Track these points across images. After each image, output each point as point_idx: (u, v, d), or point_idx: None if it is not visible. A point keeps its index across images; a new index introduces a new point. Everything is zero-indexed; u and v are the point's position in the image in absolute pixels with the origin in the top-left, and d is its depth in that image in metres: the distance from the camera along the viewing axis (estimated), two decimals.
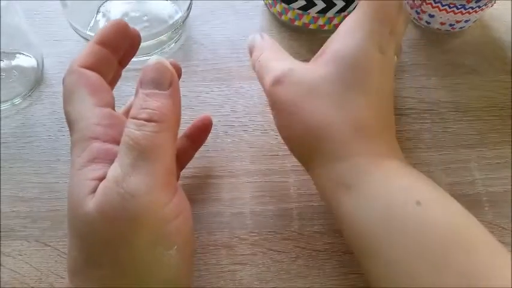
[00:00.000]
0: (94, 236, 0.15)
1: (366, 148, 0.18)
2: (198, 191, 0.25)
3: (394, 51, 0.20)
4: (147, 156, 0.15)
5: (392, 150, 0.19)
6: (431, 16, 0.30)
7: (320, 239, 0.23)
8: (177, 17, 0.29)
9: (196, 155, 0.25)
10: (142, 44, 0.29)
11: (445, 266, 0.16)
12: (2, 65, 0.29)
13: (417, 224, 0.16)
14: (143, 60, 0.30)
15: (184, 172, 0.25)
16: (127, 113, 0.21)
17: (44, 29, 0.32)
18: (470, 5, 0.28)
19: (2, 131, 0.27)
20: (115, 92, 0.29)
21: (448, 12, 0.29)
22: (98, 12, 0.31)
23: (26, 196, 0.25)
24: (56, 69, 0.30)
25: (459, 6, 0.28)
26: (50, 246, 0.23)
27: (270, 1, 0.31)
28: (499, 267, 0.16)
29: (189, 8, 0.30)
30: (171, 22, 0.28)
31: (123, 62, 0.20)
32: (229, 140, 0.27)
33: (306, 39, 0.31)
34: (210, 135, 0.25)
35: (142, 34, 0.30)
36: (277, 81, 0.20)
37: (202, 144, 0.25)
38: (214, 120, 0.26)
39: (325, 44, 0.20)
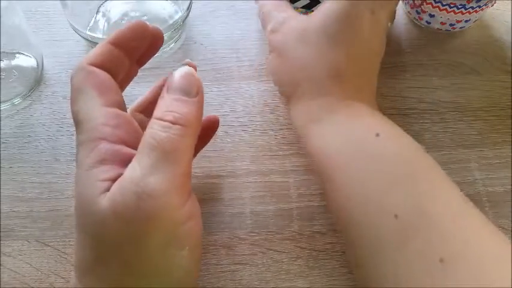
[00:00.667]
0: (107, 235, 0.15)
1: (339, 91, 0.21)
2: (198, 191, 0.25)
3: (387, 16, 0.22)
4: (169, 159, 0.15)
5: (365, 99, 0.22)
6: (431, 16, 0.30)
7: (320, 239, 0.23)
8: (176, 16, 0.29)
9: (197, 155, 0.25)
10: None
11: (394, 188, 0.17)
12: (2, 65, 0.29)
13: (373, 152, 0.19)
14: None
15: None
16: (136, 111, 0.21)
17: (43, 29, 0.32)
18: (471, 4, 0.28)
19: (2, 131, 0.27)
20: None
21: (448, 12, 0.29)
22: (97, 12, 0.31)
23: (26, 196, 0.25)
24: (56, 69, 0.30)
25: (459, 6, 0.28)
26: (50, 246, 0.23)
27: None
28: (445, 193, 0.17)
29: (189, 7, 0.30)
30: (171, 22, 0.28)
31: (141, 61, 0.20)
32: (228, 140, 0.27)
33: None
34: None
35: None
36: (275, 29, 0.23)
37: (206, 144, 0.25)
38: None
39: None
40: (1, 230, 0.24)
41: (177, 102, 0.16)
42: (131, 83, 0.29)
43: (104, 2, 0.32)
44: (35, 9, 0.33)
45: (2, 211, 0.24)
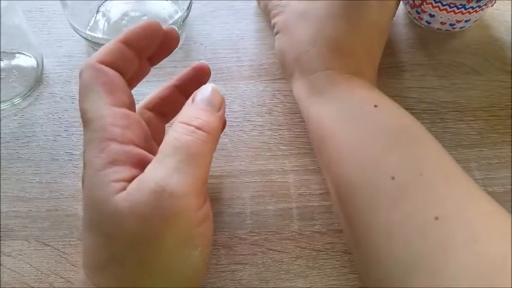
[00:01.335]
0: (124, 235, 0.15)
1: (339, 65, 0.22)
2: None
3: None
4: (192, 161, 0.15)
5: (366, 76, 0.22)
6: (431, 16, 0.30)
7: (320, 239, 0.23)
8: (176, 16, 0.29)
9: None
10: None
11: (391, 151, 0.18)
12: (1, 64, 0.29)
13: (371, 119, 0.19)
14: None
15: None
16: (145, 109, 0.21)
17: (43, 29, 0.32)
18: (471, 4, 0.28)
19: (1, 131, 0.27)
20: None
21: (448, 12, 0.29)
22: (97, 12, 0.31)
23: (26, 196, 0.25)
24: (56, 69, 0.30)
25: (459, 6, 0.28)
26: (49, 246, 0.23)
27: None
28: (439, 158, 0.18)
29: (189, 7, 0.30)
30: (170, 22, 0.28)
31: (154, 60, 0.20)
32: (228, 140, 0.27)
33: None
34: None
35: None
36: (278, 12, 0.24)
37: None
38: None
39: None
40: (1, 230, 0.24)
41: (202, 111, 0.17)
42: None
43: (103, 2, 0.32)
44: (35, 9, 0.33)
45: (1, 211, 0.24)
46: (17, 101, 0.28)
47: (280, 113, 0.28)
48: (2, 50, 0.29)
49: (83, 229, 0.16)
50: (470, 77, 0.29)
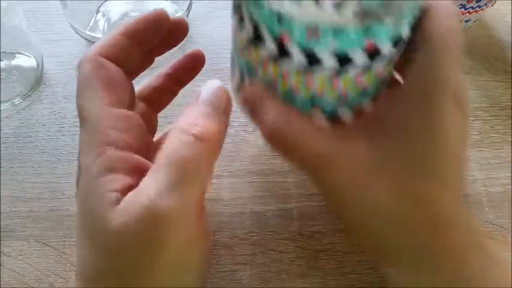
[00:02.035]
0: (118, 252, 0.14)
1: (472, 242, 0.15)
2: None
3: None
4: (189, 179, 0.14)
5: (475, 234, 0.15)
6: None
7: (320, 239, 0.23)
8: (176, 16, 0.29)
9: None
10: None
11: None
12: (1, 65, 0.29)
13: None
14: None
15: None
16: (137, 99, 0.19)
17: (43, 29, 0.32)
18: (471, 4, 0.28)
19: (2, 131, 0.27)
20: None
21: None
22: (97, 12, 0.31)
23: (26, 196, 0.25)
24: (56, 69, 0.30)
25: (459, 6, 0.28)
26: (49, 246, 0.23)
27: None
28: None
29: (189, 7, 0.30)
30: None
31: (159, 51, 0.19)
32: (229, 139, 0.27)
33: None
34: None
35: None
36: (322, 168, 0.15)
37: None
38: None
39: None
40: (1, 230, 0.24)
41: (203, 116, 0.15)
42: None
43: (103, 2, 0.32)
44: (35, 9, 0.33)
45: (2, 211, 0.24)
46: (17, 101, 0.28)
47: None
48: (2, 50, 0.29)
49: (78, 236, 0.16)
50: (471, 77, 0.29)
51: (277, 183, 0.25)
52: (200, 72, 0.30)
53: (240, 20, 0.16)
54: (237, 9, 0.16)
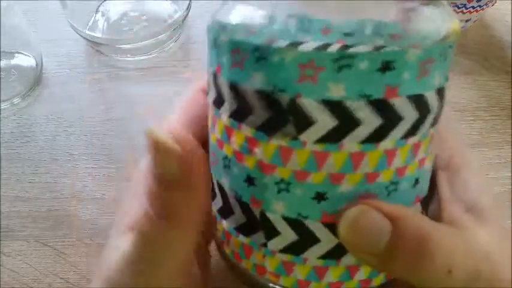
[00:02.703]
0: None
1: None
2: None
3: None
4: (150, 259, 0.12)
5: None
6: None
7: None
8: (176, 16, 0.29)
9: None
10: (141, 44, 0.29)
11: None
12: (1, 64, 0.29)
13: None
14: (142, 60, 0.30)
15: None
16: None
17: (43, 29, 0.32)
18: (471, 4, 0.28)
19: (1, 131, 0.27)
20: (114, 91, 0.29)
21: None
22: (97, 11, 0.31)
23: (25, 196, 0.25)
24: (55, 69, 0.30)
25: (460, 6, 0.28)
26: (49, 246, 0.23)
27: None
28: None
29: (189, 7, 0.29)
30: (170, 21, 0.28)
31: None
32: None
33: None
34: None
35: (141, 33, 0.30)
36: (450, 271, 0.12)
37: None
38: None
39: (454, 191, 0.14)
40: (0, 230, 0.23)
41: (157, 183, 0.12)
42: (129, 83, 0.29)
43: (103, 2, 0.32)
44: (34, 8, 0.33)
45: (1, 211, 0.24)
46: (16, 100, 0.28)
47: None
48: (1, 50, 0.29)
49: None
50: (470, 77, 0.29)
51: None
52: (199, 71, 0.30)
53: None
54: None
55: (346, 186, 0.11)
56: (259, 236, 0.12)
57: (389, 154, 0.11)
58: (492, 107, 0.28)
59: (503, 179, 0.25)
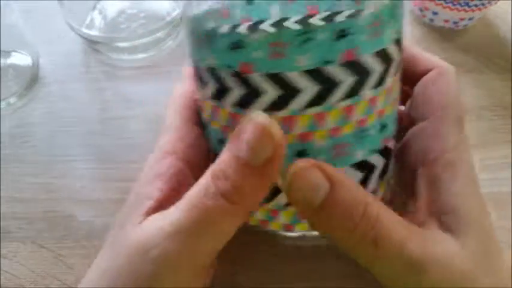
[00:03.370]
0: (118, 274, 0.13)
1: None
2: None
3: None
4: (201, 232, 0.13)
5: None
6: (434, 13, 0.29)
7: (320, 239, 0.23)
8: (174, 14, 0.29)
9: None
10: (139, 42, 0.29)
11: None
12: None
13: None
14: (140, 58, 0.30)
15: None
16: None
17: (39, 28, 0.31)
18: (474, 2, 0.27)
19: None
20: (111, 90, 0.29)
21: (451, 10, 0.28)
22: (94, 9, 0.31)
23: (22, 197, 0.24)
24: (52, 68, 0.29)
25: (463, 4, 0.28)
26: (45, 248, 0.23)
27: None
28: None
29: None
30: (168, 19, 0.28)
31: None
32: None
33: None
34: None
35: (139, 31, 0.29)
36: (417, 271, 0.13)
37: None
38: None
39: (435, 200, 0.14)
40: None
41: (238, 168, 0.12)
42: (127, 82, 0.29)
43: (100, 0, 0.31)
44: (31, 7, 0.32)
45: None
46: (12, 100, 0.28)
47: None
48: None
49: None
50: (473, 76, 0.29)
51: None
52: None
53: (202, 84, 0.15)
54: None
55: (318, 142, 0.13)
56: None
57: (349, 109, 0.13)
58: (495, 106, 0.28)
59: (503, 179, 0.25)
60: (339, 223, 0.12)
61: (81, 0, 0.30)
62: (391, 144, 0.15)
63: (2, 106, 0.28)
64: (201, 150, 0.15)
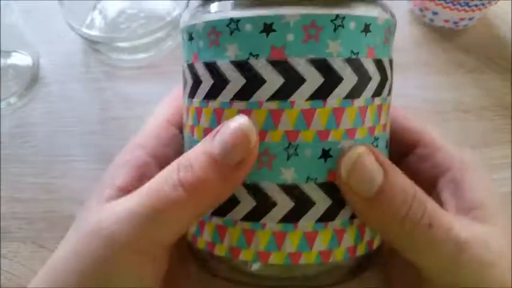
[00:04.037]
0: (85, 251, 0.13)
1: None
2: None
3: None
4: (156, 218, 0.13)
5: None
6: (434, 13, 0.29)
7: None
8: (174, 14, 0.29)
9: None
10: (139, 42, 0.28)
11: None
12: None
13: None
14: (140, 58, 0.30)
15: None
16: (170, 125, 0.17)
17: (39, 28, 0.31)
18: (474, 2, 0.27)
19: None
20: (111, 90, 0.29)
21: (451, 10, 0.28)
22: (94, 9, 0.31)
23: (22, 197, 0.24)
24: (52, 68, 0.29)
25: (463, 4, 0.28)
26: (45, 248, 0.23)
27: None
28: None
29: (187, 5, 0.29)
30: (168, 19, 0.28)
31: None
32: None
33: None
34: None
35: (139, 31, 0.29)
36: (464, 249, 0.13)
37: None
38: None
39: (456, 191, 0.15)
40: None
41: (206, 161, 0.12)
42: (127, 82, 0.29)
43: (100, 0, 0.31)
44: (31, 7, 0.32)
45: None
46: (13, 100, 0.28)
47: None
48: None
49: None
50: (473, 76, 0.29)
51: None
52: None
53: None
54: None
55: (303, 143, 0.12)
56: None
57: (338, 112, 0.12)
58: (495, 106, 0.28)
59: (504, 179, 0.25)
60: (395, 209, 0.12)
61: (81, 0, 0.30)
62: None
63: (2, 106, 0.28)
64: (175, 151, 0.16)
